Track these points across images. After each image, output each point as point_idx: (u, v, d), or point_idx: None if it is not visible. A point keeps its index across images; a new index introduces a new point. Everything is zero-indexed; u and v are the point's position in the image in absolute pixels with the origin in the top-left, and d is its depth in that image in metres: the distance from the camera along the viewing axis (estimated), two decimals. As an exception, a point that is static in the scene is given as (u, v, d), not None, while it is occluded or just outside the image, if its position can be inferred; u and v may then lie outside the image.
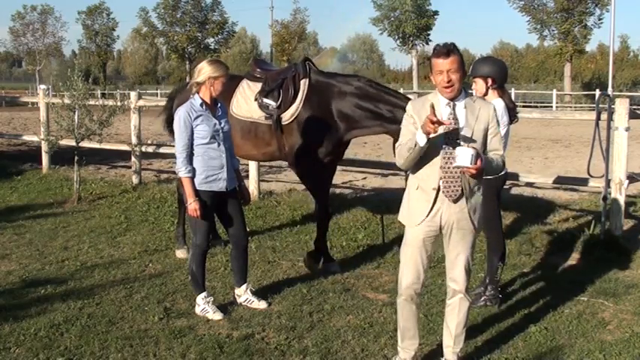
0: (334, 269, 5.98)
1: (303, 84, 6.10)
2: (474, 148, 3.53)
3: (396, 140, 4.13)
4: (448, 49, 3.61)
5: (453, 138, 3.65)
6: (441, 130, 3.55)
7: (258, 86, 6.29)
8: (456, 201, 3.70)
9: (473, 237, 3.83)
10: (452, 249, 3.83)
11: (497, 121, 3.80)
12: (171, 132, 5.83)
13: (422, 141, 3.58)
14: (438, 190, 3.71)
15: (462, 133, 3.66)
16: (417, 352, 4.00)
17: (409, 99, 5.58)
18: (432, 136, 3.53)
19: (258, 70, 6.49)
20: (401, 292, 3.88)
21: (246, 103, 6.28)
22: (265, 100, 6.16)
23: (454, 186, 3.68)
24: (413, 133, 3.66)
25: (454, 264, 3.85)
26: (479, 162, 3.48)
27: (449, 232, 3.78)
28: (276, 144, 6.24)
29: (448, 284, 3.93)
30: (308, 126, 6.00)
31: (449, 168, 3.65)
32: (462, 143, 3.63)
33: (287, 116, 6.07)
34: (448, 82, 3.62)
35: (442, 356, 4.02)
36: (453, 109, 3.68)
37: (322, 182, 6.23)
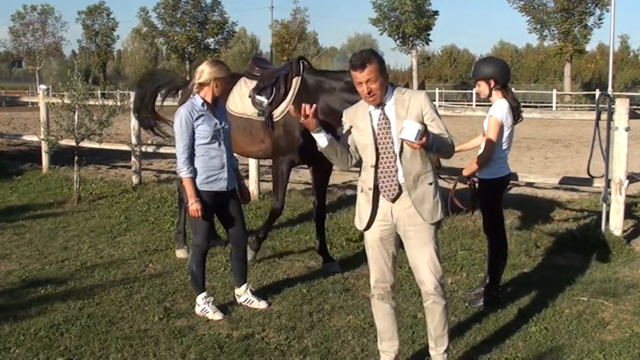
0: (334, 269, 5.98)
1: (296, 81, 6.13)
2: (422, 123, 3.45)
3: None
4: (363, 61, 3.54)
5: (384, 137, 3.63)
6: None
7: (254, 84, 6.33)
8: (394, 200, 3.66)
9: (430, 231, 3.68)
10: (411, 248, 3.72)
11: (433, 105, 3.66)
12: None
13: (322, 142, 3.65)
14: (376, 189, 3.68)
15: (393, 128, 3.62)
16: (397, 354, 3.92)
17: None
18: (318, 132, 3.61)
19: (257, 68, 6.54)
20: (372, 291, 3.88)
21: (241, 100, 6.32)
22: (258, 97, 6.20)
23: (390, 184, 3.65)
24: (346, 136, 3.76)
25: (417, 265, 3.72)
26: (424, 139, 3.40)
27: (403, 229, 3.69)
28: (269, 141, 6.26)
29: (420, 286, 3.80)
30: (298, 122, 5.99)
31: (383, 167, 3.64)
32: (394, 140, 3.60)
33: (278, 113, 6.10)
34: (369, 92, 3.59)
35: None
36: (382, 109, 3.66)
37: (321, 182, 6.21)
